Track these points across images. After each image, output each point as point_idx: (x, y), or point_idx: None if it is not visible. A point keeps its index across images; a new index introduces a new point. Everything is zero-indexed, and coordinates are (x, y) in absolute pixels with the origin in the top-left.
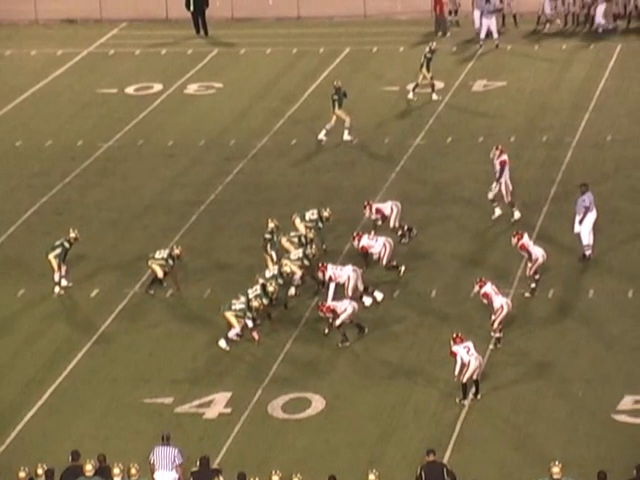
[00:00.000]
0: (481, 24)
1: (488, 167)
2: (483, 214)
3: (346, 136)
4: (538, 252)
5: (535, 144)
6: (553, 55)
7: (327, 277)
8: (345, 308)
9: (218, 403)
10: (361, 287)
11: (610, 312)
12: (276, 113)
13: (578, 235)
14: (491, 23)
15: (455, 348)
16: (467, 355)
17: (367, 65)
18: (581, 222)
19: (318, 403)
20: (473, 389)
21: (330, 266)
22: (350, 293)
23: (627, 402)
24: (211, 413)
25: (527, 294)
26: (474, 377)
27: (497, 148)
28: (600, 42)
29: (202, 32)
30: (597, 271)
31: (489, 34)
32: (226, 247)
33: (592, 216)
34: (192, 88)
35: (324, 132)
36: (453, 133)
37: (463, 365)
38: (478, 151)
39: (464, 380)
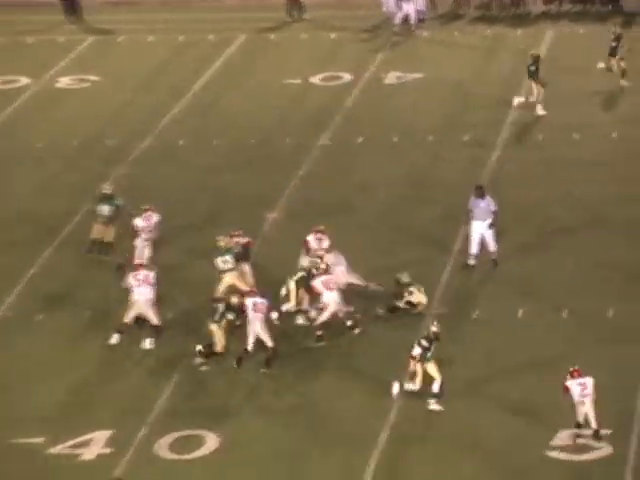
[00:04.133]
0: (398, 7)
1: (404, 170)
2: (397, 221)
3: (540, 111)
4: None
5: (456, 144)
6: (476, 42)
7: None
8: (328, 302)
9: (96, 442)
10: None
11: (542, 334)
12: (161, 110)
13: (480, 242)
14: (410, 7)
15: (569, 383)
16: (579, 394)
17: (265, 54)
18: (491, 227)
19: (212, 441)
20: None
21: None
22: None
23: (563, 437)
24: (89, 454)
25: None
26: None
27: None
28: (528, 27)
29: (74, 17)
30: (528, 289)
31: (406, 19)
32: (100, 264)
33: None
34: (64, 81)
35: (522, 101)
36: (363, 132)
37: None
38: (392, 152)
39: (578, 419)
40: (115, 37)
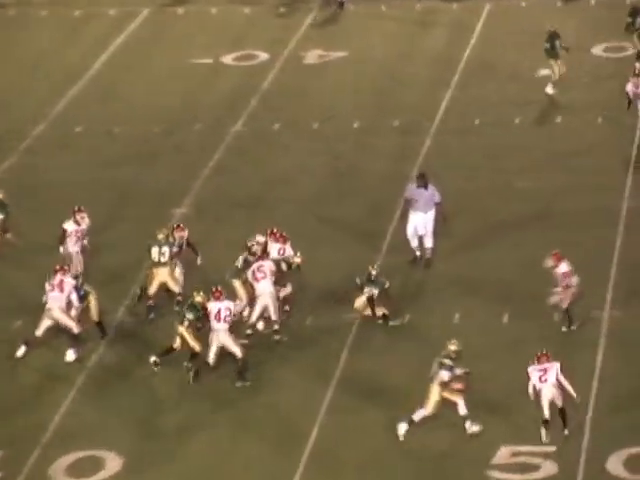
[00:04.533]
0: None
1: (326, 160)
2: (319, 217)
3: (550, 90)
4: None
5: (385, 130)
6: (405, 16)
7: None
8: (259, 294)
9: None
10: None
11: (481, 342)
12: (55, 92)
13: (419, 238)
14: None
15: (530, 369)
16: (537, 381)
17: (172, 31)
18: (438, 220)
19: (113, 463)
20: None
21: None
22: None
23: (503, 455)
24: None
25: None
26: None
27: None
28: (464, 0)
29: None
30: (466, 290)
31: None
32: None
33: (431, 214)
34: None
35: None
36: (281, 117)
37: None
38: (314, 140)
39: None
40: (3, 12)
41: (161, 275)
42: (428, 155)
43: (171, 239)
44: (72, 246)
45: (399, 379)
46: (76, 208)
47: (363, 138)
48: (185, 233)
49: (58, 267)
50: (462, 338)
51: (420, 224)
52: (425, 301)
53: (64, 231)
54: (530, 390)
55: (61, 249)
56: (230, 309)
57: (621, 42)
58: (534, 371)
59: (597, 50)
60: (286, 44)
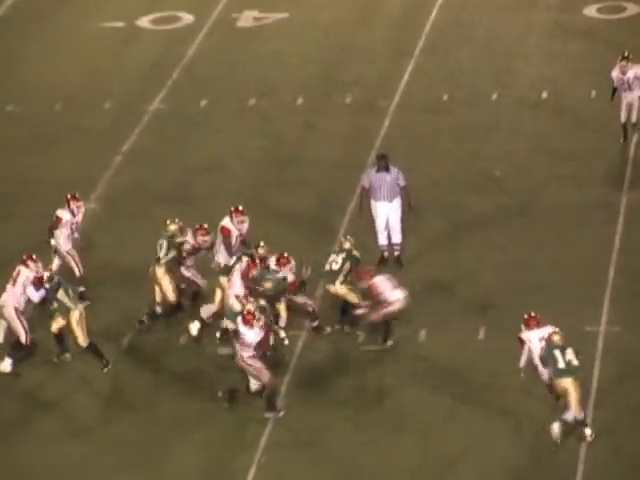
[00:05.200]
0: None
1: (265, 143)
2: (257, 212)
3: None
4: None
5: (335, 108)
6: None
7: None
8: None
9: None
10: None
11: (453, 360)
12: None
13: (384, 232)
14: None
15: (526, 335)
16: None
17: None
18: (403, 209)
19: None
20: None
21: None
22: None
23: None
24: None
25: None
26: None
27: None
28: None
29: None
30: (437, 297)
31: None
32: None
33: (397, 202)
34: None
35: None
36: (209, 92)
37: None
38: (249, 119)
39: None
40: None
41: (161, 276)
42: (387, 138)
43: (181, 238)
44: (64, 241)
45: (350, 402)
46: (69, 195)
47: (309, 118)
48: (208, 239)
49: (25, 256)
50: (429, 359)
51: (385, 215)
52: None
53: (58, 219)
54: (522, 362)
55: (52, 241)
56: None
57: (618, 0)
58: (534, 338)
59: (590, 11)
60: (215, 4)
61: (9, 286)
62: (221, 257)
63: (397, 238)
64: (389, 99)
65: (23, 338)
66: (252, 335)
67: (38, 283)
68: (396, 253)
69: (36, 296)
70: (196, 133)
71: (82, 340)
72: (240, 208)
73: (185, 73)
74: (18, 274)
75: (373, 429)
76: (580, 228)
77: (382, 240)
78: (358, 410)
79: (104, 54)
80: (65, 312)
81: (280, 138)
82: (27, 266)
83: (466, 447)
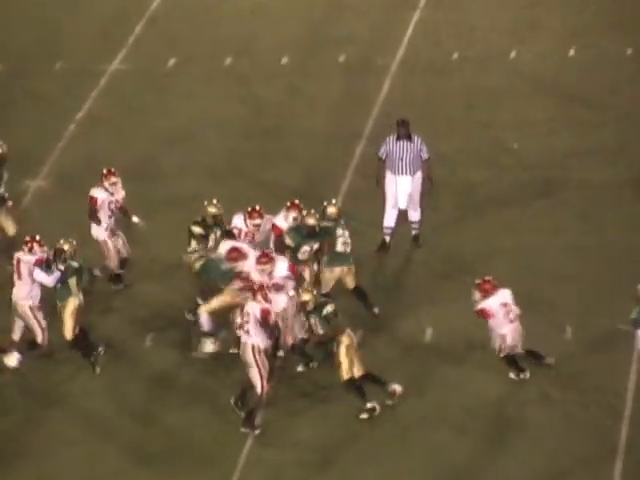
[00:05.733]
0: None
1: (245, 110)
2: (235, 190)
3: None
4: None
5: (326, 69)
6: None
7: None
8: None
9: None
10: None
11: (462, 360)
12: None
13: (394, 211)
14: None
15: (486, 304)
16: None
17: None
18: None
19: None
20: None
21: None
22: None
23: None
24: None
25: None
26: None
27: None
28: None
29: None
30: (447, 286)
31: None
32: None
33: (419, 177)
34: None
35: None
36: (178, 50)
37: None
38: (225, 81)
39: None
40: None
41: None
42: (386, 104)
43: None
44: (102, 227)
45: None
46: (105, 171)
47: (294, 80)
48: (260, 221)
49: (28, 238)
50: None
51: (403, 191)
52: (405, 297)
53: (93, 200)
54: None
55: (94, 231)
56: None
57: None
58: (494, 304)
59: None
60: None
61: (16, 279)
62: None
63: (416, 216)
64: (389, 58)
65: (40, 338)
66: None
67: (44, 264)
68: (414, 232)
69: (49, 280)
70: (163, 98)
71: (69, 333)
72: (257, 208)
73: (149, 28)
74: (19, 263)
75: (373, 444)
76: (612, 209)
77: (389, 221)
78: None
79: (55, 7)
80: (64, 298)
81: (261, 104)
82: (30, 250)
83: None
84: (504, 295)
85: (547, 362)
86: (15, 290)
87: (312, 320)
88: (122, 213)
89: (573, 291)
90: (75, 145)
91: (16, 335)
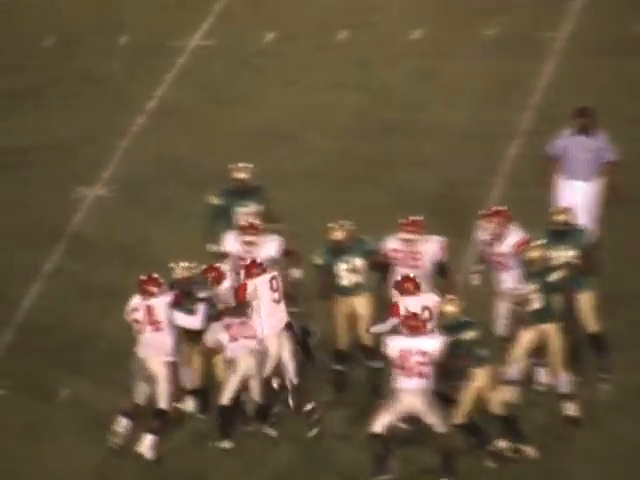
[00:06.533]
0: None
1: (357, 99)
2: (348, 201)
3: None
4: None
5: (470, 44)
6: None
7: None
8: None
9: None
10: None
11: None
12: None
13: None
14: None
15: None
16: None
17: None
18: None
19: None
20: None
21: None
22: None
23: None
24: None
25: None
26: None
27: None
28: None
29: None
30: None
31: None
32: None
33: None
34: None
35: None
36: (276, 23)
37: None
38: (334, 62)
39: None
40: None
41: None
42: (549, 90)
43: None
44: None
45: None
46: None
47: (428, 60)
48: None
49: (145, 278)
50: None
51: (577, 202)
52: None
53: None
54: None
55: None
56: None
57: None
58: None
59: None
60: None
61: (148, 332)
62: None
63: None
64: (552, 31)
65: (164, 404)
66: None
67: (180, 301)
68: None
69: (197, 321)
70: (256, 85)
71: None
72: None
73: None
74: (151, 311)
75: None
76: None
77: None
78: None
79: None
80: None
81: (384, 92)
82: (152, 293)
83: None
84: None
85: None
86: (145, 346)
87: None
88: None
89: None
90: (143, 143)
91: (140, 399)
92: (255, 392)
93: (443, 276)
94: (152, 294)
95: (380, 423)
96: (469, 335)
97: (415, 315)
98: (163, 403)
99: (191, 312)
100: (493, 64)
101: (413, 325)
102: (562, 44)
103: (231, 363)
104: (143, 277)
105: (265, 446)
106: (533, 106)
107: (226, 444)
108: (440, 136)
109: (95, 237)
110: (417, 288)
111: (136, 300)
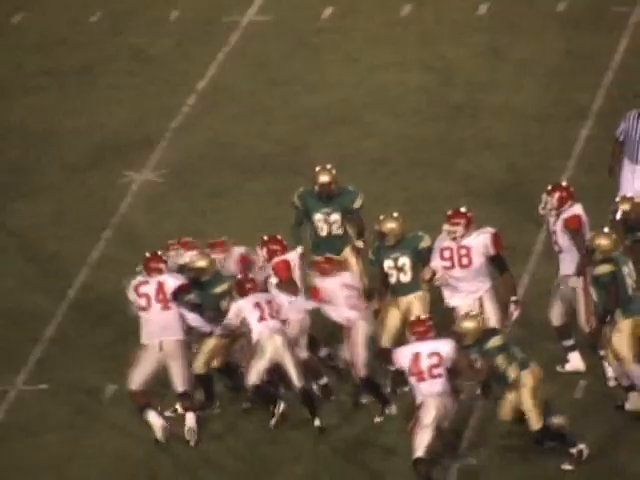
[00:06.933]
0: None
1: (422, 79)
2: (409, 187)
3: None
4: None
5: (540, 19)
6: None
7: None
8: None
9: None
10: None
11: None
12: None
13: None
14: None
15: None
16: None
17: None
18: None
19: None
20: None
21: None
22: None
23: None
24: None
25: None
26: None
27: None
28: None
29: None
30: None
31: None
32: None
33: None
34: None
35: None
36: None
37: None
38: (399, 39)
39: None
40: None
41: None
42: (625, 69)
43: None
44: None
45: None
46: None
47: (496, 37)
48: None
49: (149, 254)
50: None
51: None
52: None
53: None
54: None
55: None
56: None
57: None
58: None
59: None
60: None
61: (157, 312)
62: None
63: None
64: (626, 5)
65: (180, 387)
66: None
67: (188, 289)
68: None
69: (197, 321)
70: (314, 63)
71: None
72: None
73: None
74: (162, 288)
75: None
76: None
77: None
78: None
79: None
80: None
81: (450, 71)
82: (159, 270)
83: None
84: None
85: None
86: (153, 327)
87: (472, 356)
88: None
89: None
90: (194, 126)
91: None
92: (294, 376)
93: (500, 272)
94: (160, 271)
95: (421, 446)
96: (493, 342)
97: (421, 320)
98: (180, 385)
99: (193, 306)
100: (563, 41)
101: (421, 330)
102: (637, 18)
103: (257, 347)
104: (148, 254)
105: (308, 434)
106: (605, 85)
107: (282, 406)
108: (508, 117)
109: (142, 224)
110: (336, 268)
111: (142, 278)
